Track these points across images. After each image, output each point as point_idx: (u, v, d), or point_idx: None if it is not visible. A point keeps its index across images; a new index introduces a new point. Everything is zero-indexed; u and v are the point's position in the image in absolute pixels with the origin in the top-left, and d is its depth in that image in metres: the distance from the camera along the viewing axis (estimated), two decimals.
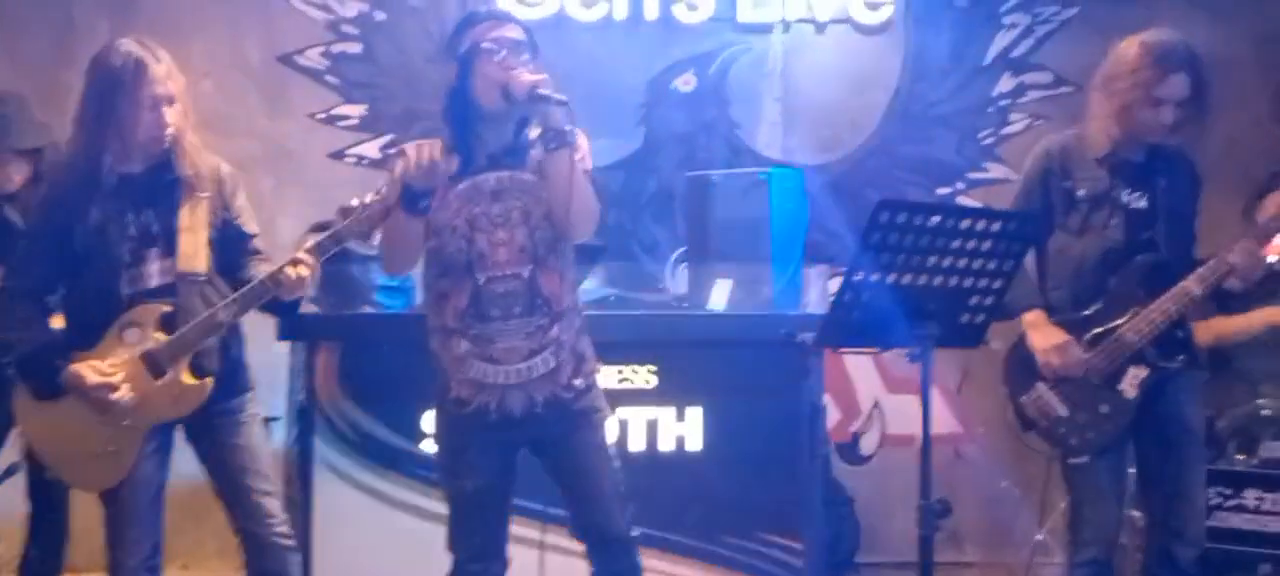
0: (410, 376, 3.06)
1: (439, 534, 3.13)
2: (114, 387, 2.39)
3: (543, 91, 2.23)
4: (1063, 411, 2.57)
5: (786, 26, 4.37)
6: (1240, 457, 3.14)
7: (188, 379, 2.47)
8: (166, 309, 2.45)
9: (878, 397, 4.40)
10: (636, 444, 3.15)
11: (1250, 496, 3.01)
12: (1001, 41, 4.38)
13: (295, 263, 2.45)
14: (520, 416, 2.33)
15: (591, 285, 3.78)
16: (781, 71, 4.40)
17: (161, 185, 2.47)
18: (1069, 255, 2.62)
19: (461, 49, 2.37)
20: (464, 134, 2.36)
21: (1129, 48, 2.60)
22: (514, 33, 2.36)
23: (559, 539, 2.87)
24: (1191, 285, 2.53)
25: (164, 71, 2.47)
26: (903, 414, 4.33)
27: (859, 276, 2.10)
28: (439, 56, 4.40)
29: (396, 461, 3.17)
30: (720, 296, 3.59)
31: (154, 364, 2.44)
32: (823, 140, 4.40)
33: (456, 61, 2.37)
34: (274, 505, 2.59)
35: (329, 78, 4.41)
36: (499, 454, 2.38)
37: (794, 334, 2.97)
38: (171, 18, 4.36)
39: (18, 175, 3.10)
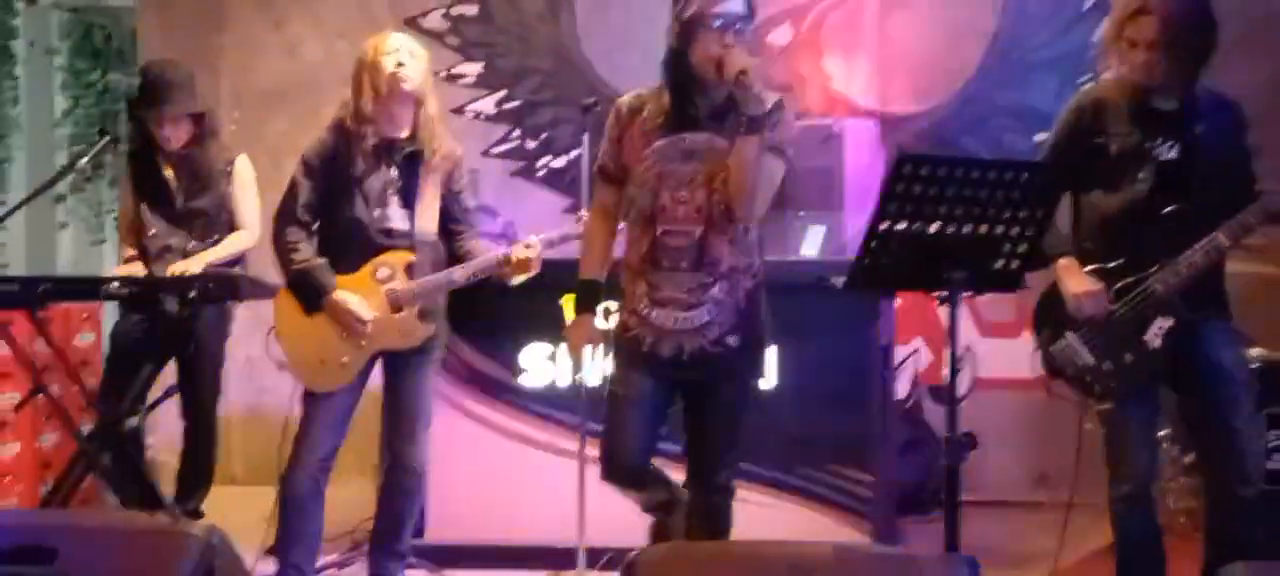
0: (510, 317, 3.40)
1: (537, 456, 3.49)
2: (364, 320, 2.86)
3: (746, 81, 2.35)
4: (1089, 359, 2.60)
5: None
6: None
7: (417, 319, 2.92)
8: (412, 258, 2.92)
9: (970, 341, 4.47)
10: None
11: None
12: None
13: (527, 246, 2.88)
14: (667, 359, 2.51)
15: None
16: (877, 22, 4.47)
17: (409, 152, 2.93)
18: (1099, 208, 2.63)
19: (687, 14, 2.45)
20: (679, 94, 2.49)
21: None
22: (732, 8, 2.44)
23: None
24: (1221, 237, 2.52)
25: (418, 68, 2.91)
26: (996, 357, 4.39)
27: (885, 226, 2.24)
28: (550, 15, 4.72)
29: (500, 392, 3.51)
30: (813, 243, 3.77)
31: (396, 301, 2.90)
32: (919, 89, 4.45)
33: (679, 23, 2.46)
34: (424, 435, 3.01)
35: (449, 38, 4.75)
36: (651, 381, 2.54)
37: (826, 278, 3.09)
38: None
39: (182, 135, 3.49)
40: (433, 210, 2.96)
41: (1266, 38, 4.19)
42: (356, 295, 2.91)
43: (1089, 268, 2.64)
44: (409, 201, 2.93)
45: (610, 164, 2.59)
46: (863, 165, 3.33)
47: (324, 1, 4.78)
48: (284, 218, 2.94)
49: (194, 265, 3.40)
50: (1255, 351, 3.53)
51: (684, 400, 2.61)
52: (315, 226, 2.96)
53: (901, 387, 4.25)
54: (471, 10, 4.74)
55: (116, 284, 3.31)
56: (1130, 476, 2.60)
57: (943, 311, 4.24)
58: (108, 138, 3.61)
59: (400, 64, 2.89)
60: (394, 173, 2.94)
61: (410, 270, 2.94)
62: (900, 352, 4.05)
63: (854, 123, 3.54)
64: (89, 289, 3.59)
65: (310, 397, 2.94)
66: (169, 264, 3.42)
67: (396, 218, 2.93)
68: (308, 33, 4.80)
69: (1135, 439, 2.61)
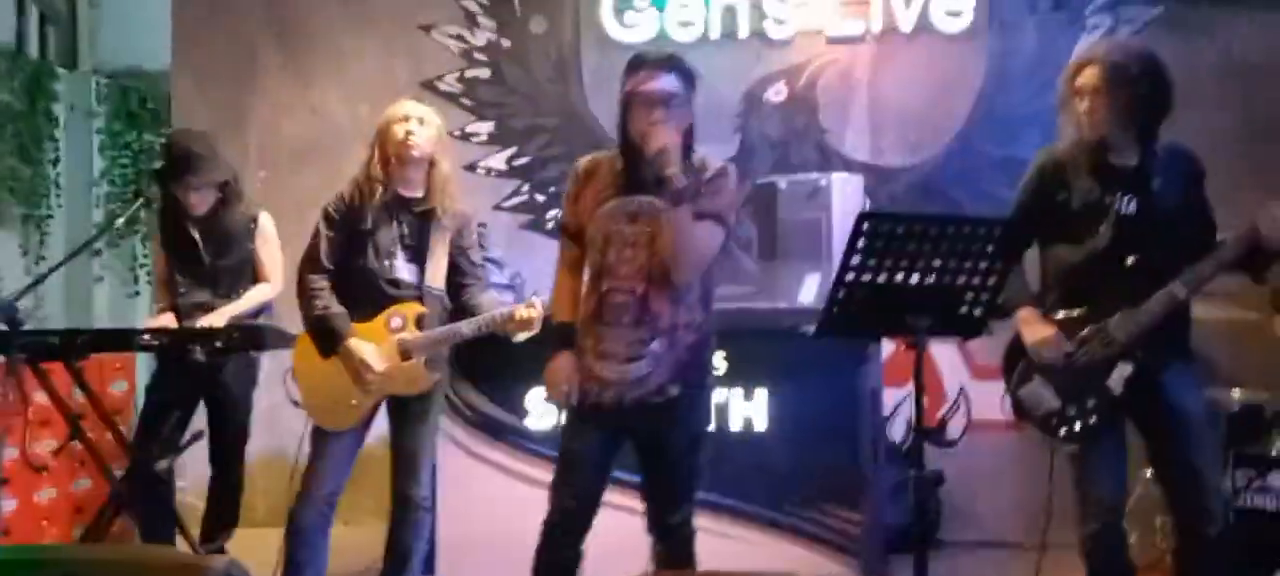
0: (516, 363, 3.58)
1: (543, 496, 3.64)
2: (372, 370, 3.07)
3: (662, 160, 2.53)
4: (1054, 404, 2.71)
5: (872, 38, 4.64)
6: None
7: (424, 368, 3.13)
8: (423, 310, 3.13)
9: (963, 384, 4.61)
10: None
11: (1276, 480, 3.12)
12: (1086, 43, 4.50)
13: (529, 306, 3.07)
14: (610, 409, 2.64)
15: None
16: (868, 80, 4.67)
17: (420, 209, 3.15)
18: (1063, 260, 2.75)
19: (624, 90, 2.64)
20: (629, 159, 2.64)
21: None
22: (660, 87, 2.59)
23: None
24: (1177, 288, 2.63)
25: (427, 134, 3.14)
26: (989, 400, 4.52)
27: (850, 277, 2.41)
28: (558, 77, 4.95)
29: (505, 434, 3.70)
30: (809, 291, 3.94)
31: (406, 350, 3.11)
32: (909, 143, 4.64)
33: (621, 96, 2.64)
34: (427, 474, 3.21)
35: (463, 99, 5.00)
36: (598, 433, 2.68)
37: (798, 326, 3.25)
38: (335, 50, 5.06)
39: (207, 201, 3.70)
40: (442, 264, 3.17)
41: (1234, 86, 4.36)
42: (370, 343, 3.11)
43: (1054, 316, 2.76)
44: (419, 255, 3.14)
45: (570, 222, 2.76)
46: (849, 217, 3.50)
47: (349, 66, 5.05)
48: (307, 265, 3.16)
49: (219, 318, 3.61)
50: (1234, 393, 3.67)
51: (634, 446, 2.73)
52: (334, 274, 3.16)
53: (898, 431, 4.40)
54: (484, 73, 4.99)
55: (148, 336, 3.53)
56: (1096, 515, 2.71)
57: (932, 356, 4.49)
58: (141, 199, 3.81)
59: (410, 132, 3.11)
60: (405, 228, 3.14)
61: (420, 321, 3.15)
62: (896, 397, 4.21)
63: (840, 177, 3.73)
64: (123, 340, 3.81)
65: (319, 436, 3.14)
66: (197, 318, 3.63)
67: (404, 270, 3.14)
68: (333, 95, 5.06)
69: (1100, 478, 2.71)
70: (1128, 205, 2.69)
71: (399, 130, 3.12)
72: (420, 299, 3.15)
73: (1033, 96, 4.49)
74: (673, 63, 2.66)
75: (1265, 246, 2.63)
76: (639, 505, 2.76)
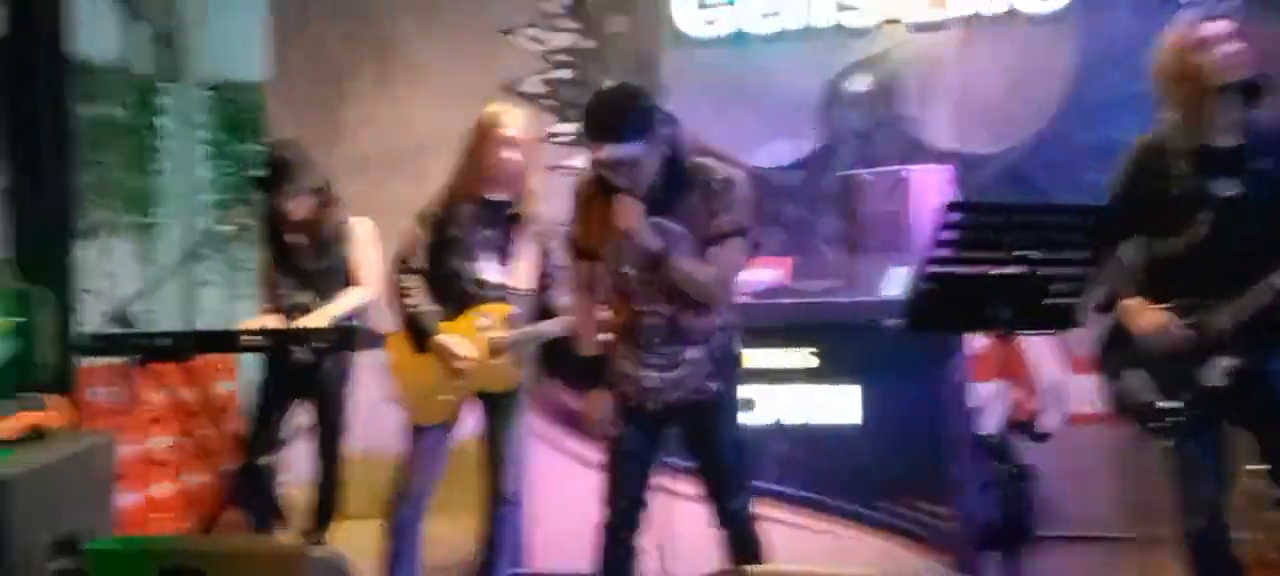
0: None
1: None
2: (464, 358, 3.16)
3: (631, 236, 2.55)
4: (1151, 397, 2.65)
5: (957, 23, 4.56)
6: None
7: (512, 365, 3.23)
8: (512, 310, 3.23)
9: (1059, 378, 4.51)
10: (798, 417, 3.54)
11: None
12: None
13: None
14: (653, 413, 2.71)
15: (776, 275, 4.21)
16: (953, 67, 4.59)
17: (508, 212, 3.24)
18: (1160, 251, 2.66)
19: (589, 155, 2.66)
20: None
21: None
22: (624, 150, 2.54)
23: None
24: (1278, 279, 2.52)
25: (520, 141, 3.22)
26: (1088, 393, 4.42)
27: (935, 269, 2.39)
28: (638, 75, 4.99)
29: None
30: (894, 283, 3.91)
31: (496, 348, 3.21)
32: (997, 131, 4.54)
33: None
34: (516, 468, 3.30)
35: (546, 101, 5.07)
36: (641, 433, 2.74)
37: (881, 320, 3.23)
38: (422, 60, 5.19)
39: (303, 208, 3.81)
40: (528, 266, 3.25)
41: None
42: (456, 338, 3.20)
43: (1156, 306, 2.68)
44: (506, 257, 3.23)
45: (581, 241, 2.79)
46: (932, 208, 3.46)
47: (432, 74, 5.17)
48: (399, 265, 3.28)
49: (318, 319, 3.74)
50: None
51: (681, 437, 2.78)
52: (427, 275, 3.26)
53: (991, 425, 4.32)
54: (567, 74, 5.06)
55: (251, 336, 3.68)
56: (1196, 511, 2.65)
57: (1025, 349, 4.40)
58: (244, 207, 3.97)
59: (507, 146, 3.18)
60: (492, 230, 3.23)
61: (508, 321, 3.23)
62: (987, 391, 4.13)
63: (921, 169, 3.69)
64: (228, 341, 3.96)
65: (413, 432, 3.25)
66: (298, 319, 3.74)
67: (492, 271, 3.23)
68: (419, 102, 5.19)
69: (1199, 474, 2.64)
70: (1228, 188, 2.59)
71: (495, 146, 3.19)
72: (506, 299, 3.22)
73: (1126, 80, 4.34)
74: (608, 127, 2.55)
75: None
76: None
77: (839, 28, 4.67)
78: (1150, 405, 2.68)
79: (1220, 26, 2.62)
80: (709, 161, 2.67)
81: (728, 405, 2.77)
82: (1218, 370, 2.61)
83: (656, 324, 2.68)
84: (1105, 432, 4.33)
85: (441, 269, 3.24)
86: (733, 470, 2.79)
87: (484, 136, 3.20)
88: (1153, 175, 2.67)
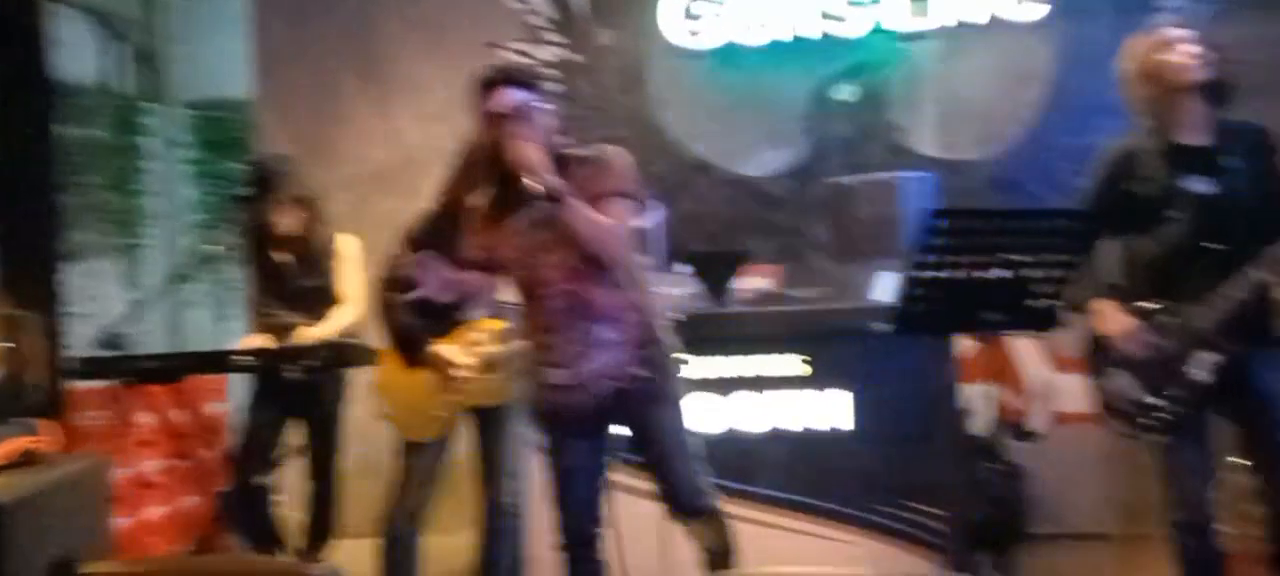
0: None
1: (629, 501, 3.69)
2: (460, 368, 3.16)
3: (523, 172, 2.52)
4: (1137, 395, 2.71)
5: (941, 31, 4.62)
6: None
7: (504, 380, 3.20)
8: (504, 325, 3.21)
9: (1047, 377, 4.55)
10: (791, 423, 3.55)
11: None
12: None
13: None
14: (589, 411, 2.65)
15: (766, 282, 4.23)
16: (938, 74, 4.65)
17: None
18: (1139, 250, 2.73)
19: (480, 113, 2.66)
20: (509, 177, 2.61)
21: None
22: (510, 98, 2.61)
23: None
24: (1257, 272, 2.59)
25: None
26: (1074, 392, 4.46)
27: (922, 274, 2.43)
28: (628, 88, 5.02)
29: None
30: (883, 289, 3.95)
31: (488, 363, 3.20)
32: (981, 136, 4.60)
33: (482, 120, 2.66)
34: (508, 481, 3.31)
35: None
36: (582, 442, 2.69)
37: (868, 325, 3.26)
38: (411, 76, 5.19)
39: (291, 221, 3.81)
40: None
41: None
42: (455, 349, 3.20)
43: (1136, 307, 2.74)
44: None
45: (481, 256, 2.75)
46: (919, 214, 3.50)
47: (422, 89, 5.18)
48: (387, 283, 3.26)
49: (310, 337, 3.74)
50: None
51: (630, 436, 2.73)
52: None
53: (981, 426, 4.35)
54: (554, 88, 5.05)
55: (241, 356, 3.68)
56: (1184, 504, 2.71)
57: (1013, 350, 4.44)
58: (235, 226, 3.96)
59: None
60: None
61: (501, 336, 3.23)
62: (975, 393, 4.17)
63: (909, 175, 3.73)
64: (218, 361, 3.96)
65: (407, 449, 3.25)
66: (289, 338, 3.75)
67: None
68: (407, 117, 5.19)
69: (1186, 469, 2.70)
70: (1201, 185, 2.66)
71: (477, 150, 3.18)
72: (499, 316, 3.23)
73: (1108, 85, 4.38)
74: (510, 75, 2.67)
75: None
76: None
77: (827, 36, 4.70)
78: (1137, 403, 2.72)
79: (1177, 30, 2.68)
80: (586, 149, 2.69)
81: (663, 398, 2.71)
82: (1201, 366, 2.65)
83: (565, 304, 2.63)
84: (1093, 431, 4.40)
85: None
86: (680, 461, 2.73)
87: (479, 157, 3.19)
88: (1126, 177, 2.74)
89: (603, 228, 2.59)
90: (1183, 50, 2.65)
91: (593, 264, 2.62)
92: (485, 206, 2.74)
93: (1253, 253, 2.63)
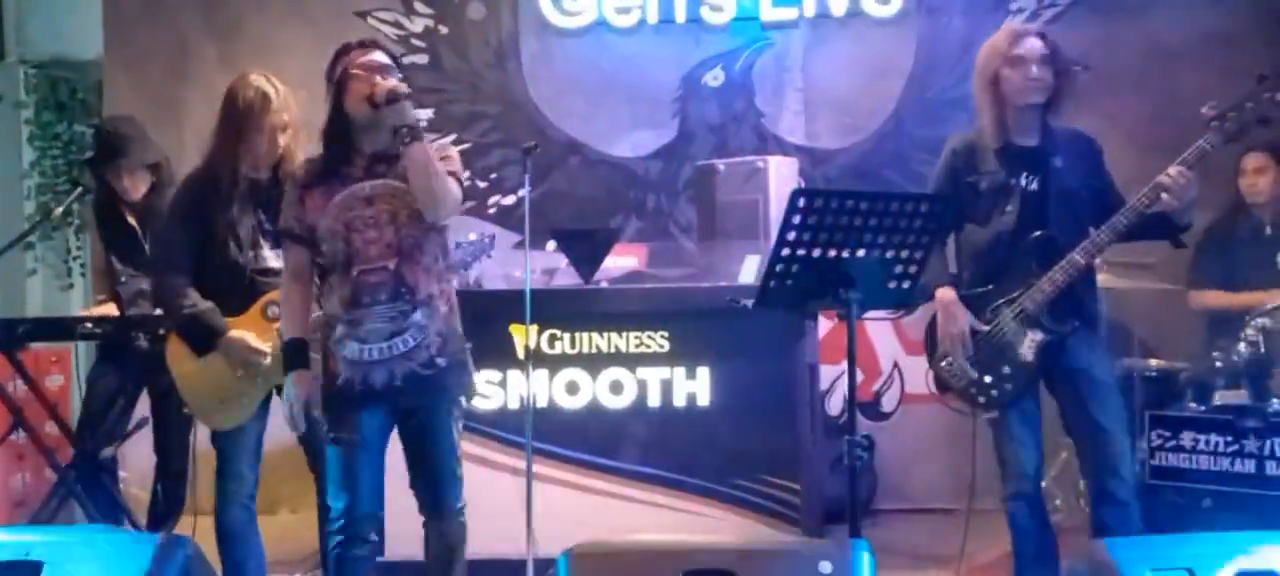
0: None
1: (488, 475, 3.70)
2: (264, 354, 2.99)
3: (396, 97, 2.56)
4: (972, 374, 2.90)
5: (805, 22, 4.76)
6: (1192, 406, 3.44)
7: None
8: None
9: (897, 359, 4.77)
10: (653, 400, 3.63)
11: (1187, 438, 3.31)
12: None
13: None
14: (382, 389, 2.62)
15: (633, 262, 4.29)
16: (802, 64, 4.80)
17: (277, 191, 2.95)
18: (974, 240, 2.94)
19: (336, 74, 2.67)
20: (344, 147, 2.65)
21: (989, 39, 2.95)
22: (380, 57, 2.68)
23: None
24: (1077, 256, 2.82)
25: (281, 103, 3.04)
26: (922, 374, 4.68)
27: (786, 252, 2.52)
28: (497, 63, 4.99)
29: None
30: (748, 271, 4.05)
31: None
32: (843, 126, 4.78)
33: (333, 85, 2.67)
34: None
35: None
36: (373, 421, 2.65)
37: (737, 300, 3.35)
38: (268, 39, 5.03)
39: (141, 186, 3.65)
40: None
41: (1155, 68, 4.56)
42: (251, 333, 3.00)
43: (965, 293, 2.93)
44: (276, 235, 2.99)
45: (295, 225, 2.70)
46: (785, 198, 3.62)
47: (282, 54, 5.00)
48: (165, 266, 3.05)
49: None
50: (1153, 362, 3.87)
51: (401, 433, 2.72)
52: (194, 271, 3.03)
53: (836, 406, 4.53)
54: (422, 60, 5.00)
55: (89, 324, 3.52)
56: (1016, 479, 2.89)
57: (867, 332, 4.64)
58: (79, 189, 3.78)
59: (268, 98, 3.00)
60: (262, 215, 3.02)
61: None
62: (831, 373, 4.34)
63: (776, 160, 3.84)
64: (64, 329, 3.78)
65: (223, 436, 3.05)
66: (140, 306, 3.60)
67: (272, 258, 3.02)
68: None
69: (1019, 442, 2.89)
70: (1031, 183, 2.87)
71: (254, 98, 2.99)
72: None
73: (961, 80, 4.62)
74: (374, 43, 2.74)
75: (1167, 210, 2.79)
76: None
77: (696, 22, 4.78)
78: (971, 382, 2.90)
79: (1033, 46, 2.86)
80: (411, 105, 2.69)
81: (454, 383, 2.70)
82: (1026, 345, 2.84)
83: (382, 281, 2.61)
84: (937, 411, 4.63)
85: (214, 263, 3.01)
86: (453, 462, 2.73)
87: (254, 110, 2.98)
88: (967, 170, 2.93)
89: (444, 179, 2.60)
90: (1030, 73, 2.84)
91: (416, 243, 2.63)
92: (306, 175, 2.69)
93: (1075, 242, 2.84)
